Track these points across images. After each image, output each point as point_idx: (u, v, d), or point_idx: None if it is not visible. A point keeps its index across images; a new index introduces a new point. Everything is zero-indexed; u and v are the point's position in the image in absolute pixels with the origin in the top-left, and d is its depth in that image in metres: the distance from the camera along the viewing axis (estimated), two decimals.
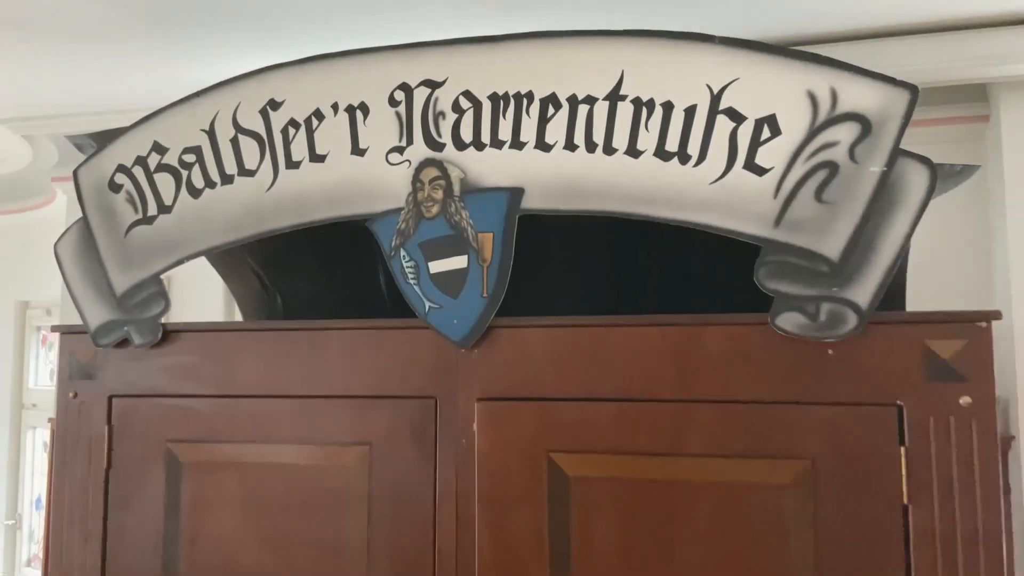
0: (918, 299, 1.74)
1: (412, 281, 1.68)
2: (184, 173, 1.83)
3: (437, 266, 1.67)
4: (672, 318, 1.56)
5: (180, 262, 1.84)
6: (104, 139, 1.92)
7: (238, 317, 2.42)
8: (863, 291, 1.41)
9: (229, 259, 2.16)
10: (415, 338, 1.69)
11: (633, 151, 1.55)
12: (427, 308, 1.67)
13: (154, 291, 1.83)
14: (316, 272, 2.17)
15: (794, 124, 1.47)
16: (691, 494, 1.52)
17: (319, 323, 1.75)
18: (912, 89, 1.43)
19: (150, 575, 1.78)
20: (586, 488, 1.57)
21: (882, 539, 1.42)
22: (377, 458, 1.69)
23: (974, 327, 1.38)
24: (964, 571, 1.38)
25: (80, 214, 1.91)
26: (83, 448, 1.85)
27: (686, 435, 1.53)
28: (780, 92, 1.49)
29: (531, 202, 1.61)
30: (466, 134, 1.65)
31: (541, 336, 1.62)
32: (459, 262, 1.65)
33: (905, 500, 1.40)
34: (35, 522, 3.65)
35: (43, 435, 3.65)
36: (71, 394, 1.88)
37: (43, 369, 3.70)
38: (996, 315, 1.38)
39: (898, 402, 1.41)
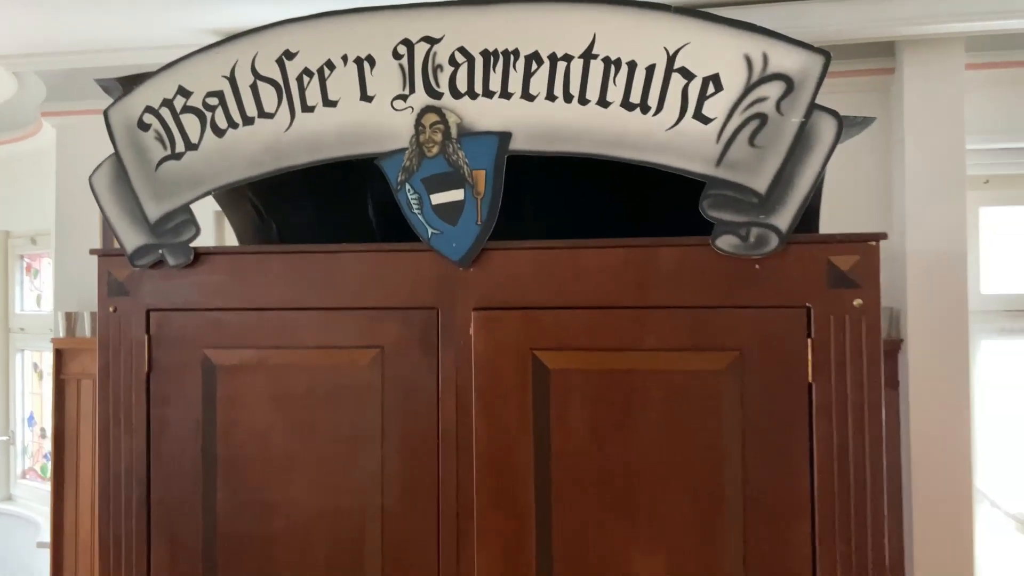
0: (830, 225, 2.14)
1: (416, 211, 1.99)
2: (208, 115, 2.07)
3: (438, 198, 1.98)
4: (632, 241, 1.92)
5: (207, 194, 2.10)
6: (130, 83, 2.14)
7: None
8: (783, 218, 1.79)
9: (229, 192, 2.41)
10: (419, 259, 2.01)
11: (603, 102, 1.88)
12: (429, 234, 1.98)
13: (185, 219, 2.10)
14: (309, 204, 2.45)
15: (733, 82, 1.82)
16: (646, 380, 1.90)
17: (336, 246, 2.06)
18: (826, 55, 1.78)
19: (190, 461, 2.10)
20: (563, 378, 1.94)
21: (792, 410, 1.85)
22: (388, 359, 2.03)
23: (866, 245, 1.78)
24: (852, 433, 1.81)
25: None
26: (125, 355, 2.14)
27: (643, 334, 1.90)
28: (723, 55, 1.83)
29: (517, 144, 1.93)
30: (461, 84, 1.95)
31: (526, 257, 1.96)
32: (456, 195, 1.97)
33: (810, 379, 1.82)
34: (28, 438, 3.87)
35: (32, 357, 3.85)
36: (111, 308, 2.15)
37: (28, 296, 3.87)
38: (883, 236, 1.78)
39: (807, 304, 1.82)
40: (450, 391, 2.00)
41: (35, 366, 3.82)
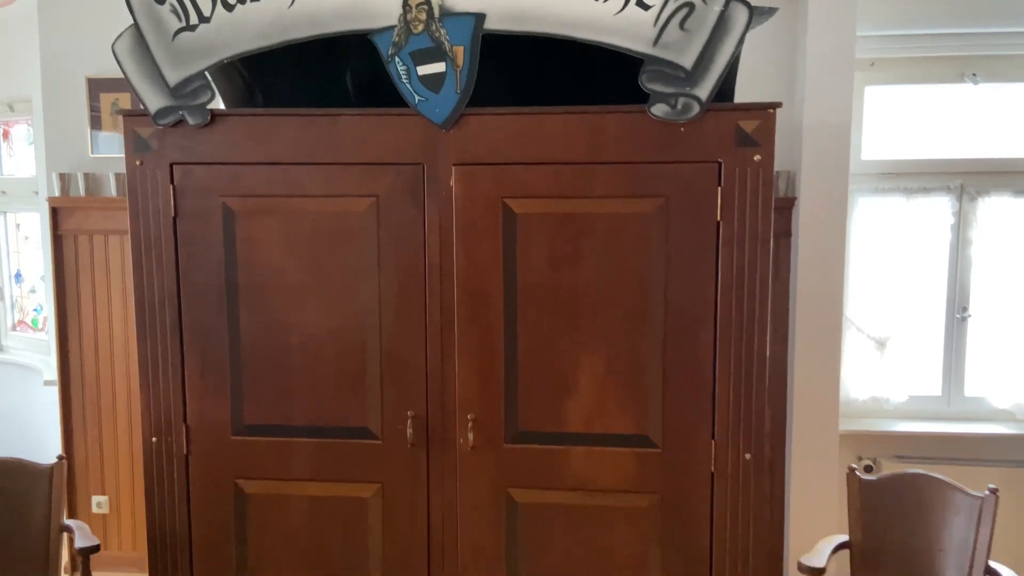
0: (743, 98, 2.61)
1: (405, 80, 2.38)
2: None
3: (423, 70, 2.37)
4: (584, 108, 2.36)
5: (221, 62, 2.43)
6: None
7: None
8: (704, 89, 2.26)
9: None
10: (408, 122, 2.41)
11: None
12: (416, 100, 2.38)
13: (201, 84, 2.43)
14: (291, 75, 2.78)
15: None
16: (593, 222, 2.39)
17: (336, 111, 2.43)
18: None
19: (215, 292, 2.52)
20: (527, 221, 2.41)
21: (704, 243, 2.38)
22: (383, 206, 2.46)
23: (765, 112, 2.28)
24: (748, 260, 2.36)
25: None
26: (152, 202, 2.50)
27: (592, 184, 2.38)
28: None
29: (491, 24, 2.31)
30: None
31: (498, 121, 2.39)
32: (439, 67, 2.36)
33: (719, 218, 2.35)
34: (15, 293, 4.16)
35: (15, 219, 4.08)
36: (137, 163, 2.49)
37: (6, 160, 4.05)
38: (778, 105, 2.28)
39: (719, 160, 2.32)
40: (434, 232, 2.46)
41: (18, 227, 4.07)
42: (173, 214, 2.51)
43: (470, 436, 2.47)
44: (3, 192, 4.07)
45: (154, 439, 2.57)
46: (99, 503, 3.63)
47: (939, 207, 3.36)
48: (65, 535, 2.70)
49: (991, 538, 2.38)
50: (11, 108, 3.88)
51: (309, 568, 2.58)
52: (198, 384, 2.55)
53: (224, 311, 2.53)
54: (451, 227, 2.44)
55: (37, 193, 3.78)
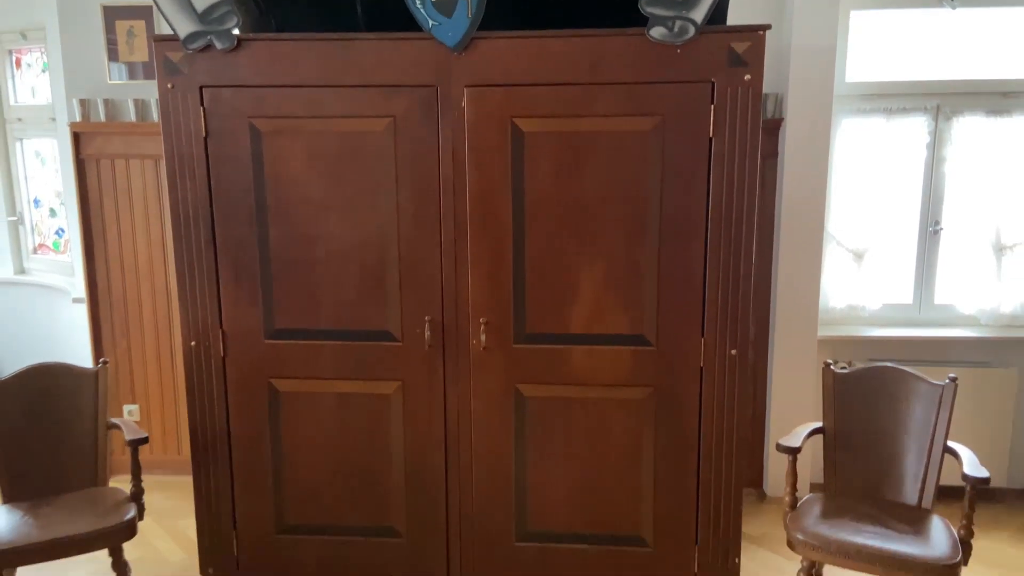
0: (736, 22, 2.78)
1: (420, 6, 2.53)
2: None
3: None
4: (587, 32, 2.54)
5: None
6: None
7: None
8: (700, 13, 2.44)
9: None
10: (422, 46, 2.58)
11: None
12: (430, 25, 2.54)
13: (227, 10, 2.58)
14: (304, 2, 2.92)
15: None
16: (595, 139, 2.59)
17: (354, 35, 2.59)
18: None
19: (245, 206, 2.72)
20: (534, 139, 2.61)
21: (697, 159, 2.59)
22: (399, 125, 2.65)
23: (756, 34, 2.47)
24: (737, 173, 2.58)
25: None
26: (184, 123, 2.68)
27: (594, 104, 2.57)
28: None
29: None
30: None
31: (507, 44, 2.56)
32: None
33: (711, 135, 2.56)
34: (35, 218, 4.32)
35: (34, 145, 4.21)
36: (169, 85, 2.66)
37: (21, 88, 4.16)
38: (768, 27, 2.47)
39: (712, 79, 2.52)
40: (448, 150, 2.65)
41: (36, 153, 4.19)
42: (204, 134, 2.69)
43: (482, 338, 2.71)
44: (19, 119, 4.19)
45: (193, 344, 2.81)
46: (130, 411, 3.89)
47: (916, 127, 3.56)
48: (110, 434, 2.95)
49: (949, 422, 2.67)
50: (24, 36, 3.98)
51: (337, 458, 2.86)
52: (232, 293, 2.78)
53: (254, 225, 2.74)
54: (463, 145, 2.64)
55: (54, 120, 3.91)
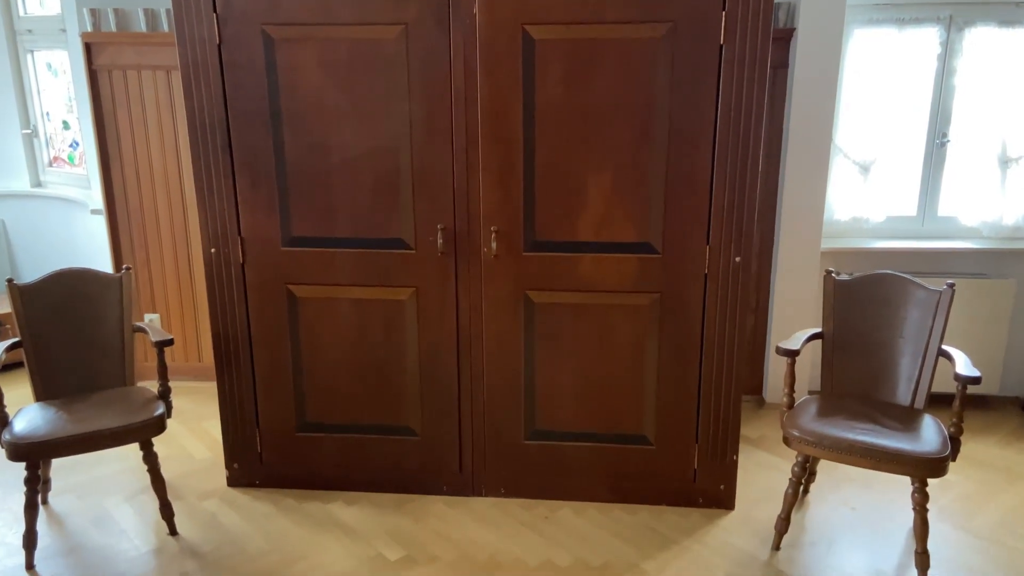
0: None
1: None
2: None
3: None
4: None
5: None
6: None
7: None
8: None
9: None
10: None
11: None
12: None
13: None
14: None
15: None
16: (606, 47, 2.61)
17: None
18: None
19: (260, 113, 2.76)
20: (544, 47, 2.63)
21: (707, 66, 2.61)
22: (411, 33, 2.66)
23: None
24: (747, 80, 2.61)
25: None
26: (198, 30, 2.70)
27: (605, 11, 2.58)
28: None
29: None
30: None
31: None
32: None
33: (722, 42, 2.58)
34: (50, 130, 4.35)
35: (46, 56, 4.21)
36: None
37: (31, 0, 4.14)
38: None
39: None
40: (459, 58, 2.68)
41: (48, 65, 4.20)
42: (217, 41, 2.71)
43: (493, 246, 2.79)
44: (29, 31, 4.19)
45: (213, 250, 2.90)
46: (151, 320, 4.02)
47: (928, 37, 3.55)
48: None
49: (945, 327, 2.76)
50: None
51: (354, 360, 2.98)
52: (249, 201, 2.85)
53: (269, 133, 2.79)
54: (475, 53, 2.66)
55: (63, 30, 3.92)
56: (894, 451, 2.51)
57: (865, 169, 3.69)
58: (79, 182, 4.28)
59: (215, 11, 2.68)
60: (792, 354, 2.75)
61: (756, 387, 3.96)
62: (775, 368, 3.81)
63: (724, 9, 2.55)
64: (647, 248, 2.79)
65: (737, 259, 2.76)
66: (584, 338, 2.89)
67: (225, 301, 2.95)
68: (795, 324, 3.70)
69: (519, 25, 2.62)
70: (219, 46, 2.72)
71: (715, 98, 2.64)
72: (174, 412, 3.62)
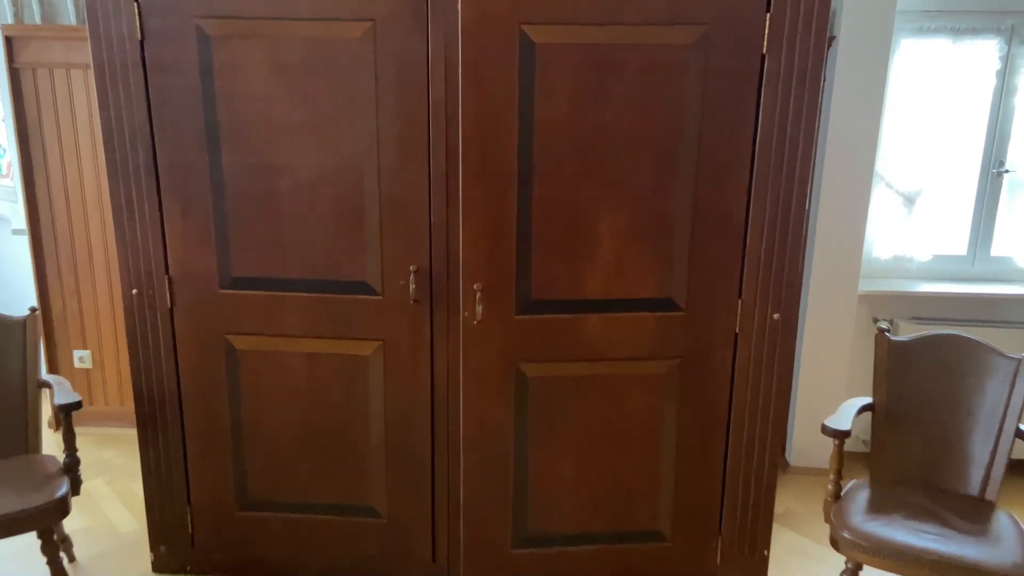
0: None
1: None
2: None
3: None
4: None
5: None
6: None
7: None
8: None
9: None
10: None
11: None
12: None
13: None
14: None
15: None
16: (624, 54, 2.10)
17: None
18: None
19: (193, 128, 2.24)
20: (548, 52, 2.11)
21: (745, 80, 2.11)
22: (380, 31, 2.15)
23: None
24: (794, 99, 2.11)
25: None
26: (115, 22, 2.17)
27: (623, 9, 2.07)
28: None
29: None
30: None
31: None
32: None
33: (764, 51, 2.08)
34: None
35: None
36: None
37: None
38: None
39: None
40: (439, 63, 2.17)
41: None
42: (140, 36, 2.19)
43: (478, 309, 2.22)
44: None
45: (134, 291, 2.37)
46: (81, 358, 3.48)
47: (986, 51, 3.07)
48: (46, 391, 2.54)
49: None
50: None
51: (307, 427, 2.46)
52: (179, 232, 2.32)
53: (204, 150, 2.26)
54: (456, 58, 2.15)
55: None
56: (971, 564, 2.02)
57: (910, 201, 3.21)
58: (9, 195, 3.74)
59: (136, 0, 2.16)
60: (842, 435, 2.25)
61: (779, 447, 3.45)
62: (802, 426, 3.31)
63: (769, 10, 2.05)
64: (667, 304, 2.28)
65: (776, 316, 2.26)
66: (588, 417, 2.36)
67: (150, 353, 2.42)
68: (826, 377, 3.21)
69: (516, 24, 2.11)
70: (141, 43, 2.19)
71: (754, 119, 2.14)
72: (102, 468, 3.09)
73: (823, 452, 3.28)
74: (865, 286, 3.22)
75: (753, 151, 2.16)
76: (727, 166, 2.18)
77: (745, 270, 2.24)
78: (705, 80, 2.11)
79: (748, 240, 2.22)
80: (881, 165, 3.18)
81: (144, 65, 2.21)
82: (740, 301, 2.26)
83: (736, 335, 2.29)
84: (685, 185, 2.19)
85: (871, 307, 3.26)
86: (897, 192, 3.21)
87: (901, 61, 3.10)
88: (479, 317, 2.23)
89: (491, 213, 2.20)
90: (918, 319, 3.24)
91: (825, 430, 2.27)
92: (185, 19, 2.17)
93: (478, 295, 2.22)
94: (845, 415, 2.34)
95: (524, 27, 2.10)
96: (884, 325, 2.46)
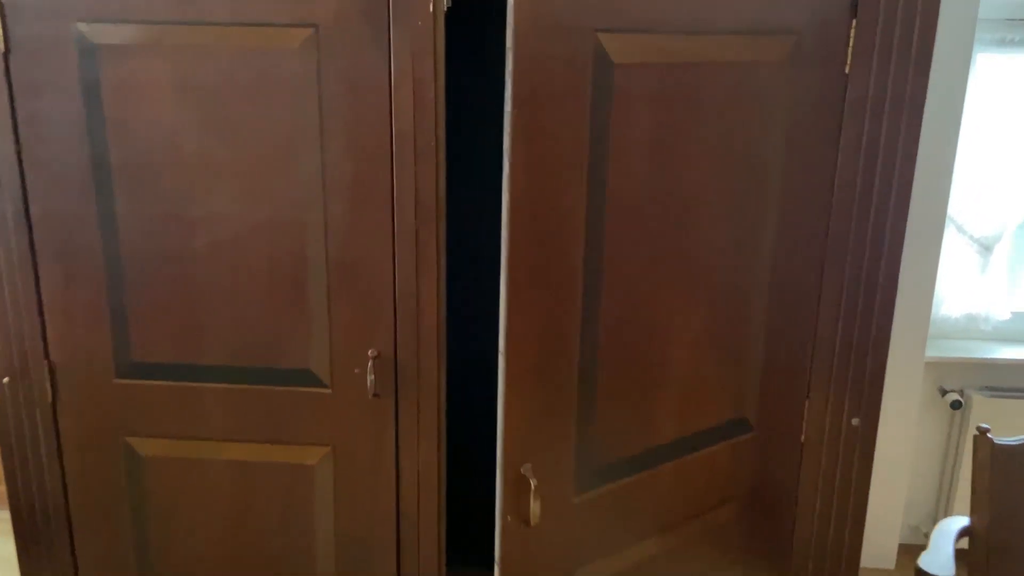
0: None
1: None
2: None
3: None
4: None
5: None
6: None
7: None
8: None
9: None
10: None
11: None
12: None
13: None
14: None
15: None
16: (706, 78, 1.50)
17: None
18: None
19: (76, 167, 1.68)
20: (628, 77, 1.52)
21: (826, 109, 1.57)
22: (325, 41, 1.59)
23: None
24: (885, 135, 1.56)
25: None
26: None
27: (716, 13, 1.50)
28: None
29: None
30: None
31: None
32: None
33: (847, 70, 1.53)
34: None
35: None
36: None
37: None
38: None
39: None
40: (406, 83, 1.60)
41: None
42: (3, 48, 1.63)
43: (534, 509, 1.42)
44: None
45: (5, 379, 1.80)
46: None
47: None
48: None
49: None
50: None
51: (236, 554, 1.89)
52: (61, 304, 1.75)
53: (92, 197, 1.70)
54: (430, 77, 1.59)
55: None
56: None
57: (986, 249, 2.65)
58: None
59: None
60: None
61: None
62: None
63: (855, 16, 1.50)
64: (741, 427, 1.70)
65: (855, 421, 1.70)
66: None
67: (28, 459, 1.85)
68: (886, 461, 2.64)
69: (591, 33, 1.41)
70: (5, 56, 1.63)
71: (833, 165, 1.59)
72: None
73: (876, 549, 2.73)
74: (931, 350, 2.66)
75: (830, 206, 1.61)
76: (807, 227, 1.62)
77: (814, 359, 1.68)
78: (793, 112, 1.55)
79: (819, 319, 1.66)
80: (954, 207, 2.63)
81: (10, 84, 1.64)
82: (807, 401, 1.70)
83: (801, 445, 1.73)
84: (762, 260, 1.63)
85: (936, 374, 2.70)
86: (971, 238, 2.65)
87: (978, 79, 2.55)
88: (535, 518, 1.45)
89: (548, 342, 1.47)
90: (991, 389, 2.70)
91: (920, 575, 1.70)
92: (64, 24, 1.61)
93: (533, 490, 1.43)
94: (943, 551, 1.76)
95: (600, 35, 1.42)
96: (984, 425, 1.90)
